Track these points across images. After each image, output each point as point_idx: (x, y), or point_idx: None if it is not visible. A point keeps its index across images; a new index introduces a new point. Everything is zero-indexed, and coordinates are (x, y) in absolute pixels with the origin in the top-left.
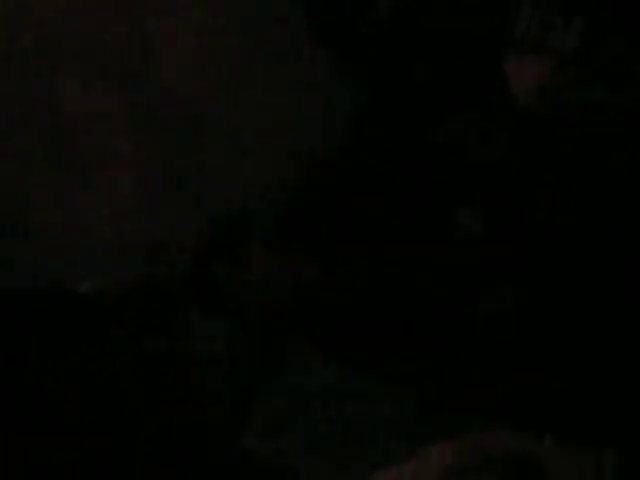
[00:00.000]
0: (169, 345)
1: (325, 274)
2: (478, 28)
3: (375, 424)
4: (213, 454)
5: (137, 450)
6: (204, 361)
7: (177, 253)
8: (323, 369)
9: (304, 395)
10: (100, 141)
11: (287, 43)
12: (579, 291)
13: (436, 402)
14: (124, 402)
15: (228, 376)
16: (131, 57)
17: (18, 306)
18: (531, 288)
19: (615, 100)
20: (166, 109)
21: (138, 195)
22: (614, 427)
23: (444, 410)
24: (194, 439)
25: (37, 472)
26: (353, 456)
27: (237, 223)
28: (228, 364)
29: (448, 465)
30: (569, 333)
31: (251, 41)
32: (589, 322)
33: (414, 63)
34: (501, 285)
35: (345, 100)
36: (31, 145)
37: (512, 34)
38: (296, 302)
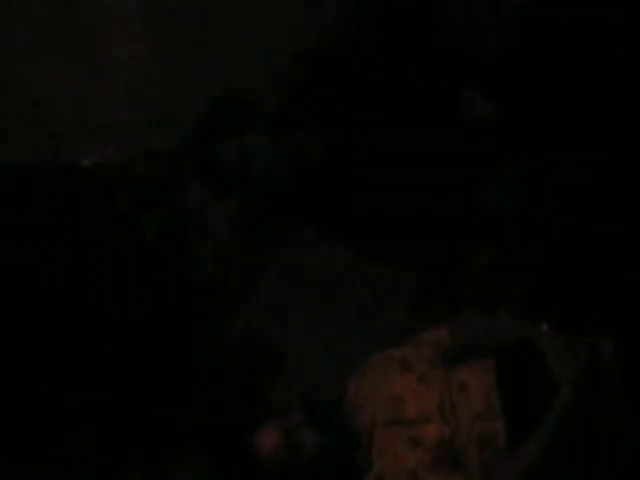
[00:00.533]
0: (165, 219)
1: (327, 152)
2: None
3: (373, 306)
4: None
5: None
6: (199, 237)
7: (176, 126)
8: (319, 249)
9: (302, 278)
10: (101, 11)
11: None
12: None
13: (435, 288)
14: (122, 274)
15: (222, 256)
16: None
17: (20, 181)
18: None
19: None
20: None
21: (137, 69)
22: (611, 313)
23: (443, 297)
24: (185, 326)
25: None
26: (351, 341)
27: (238, 100)
28: (224, 242)
29: (446, 347)
30: (569, 221)
31: None
32: (591, 214)
33: None
34: (506, 175)
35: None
36: (29, 14)
37: None
38: (297, 179)
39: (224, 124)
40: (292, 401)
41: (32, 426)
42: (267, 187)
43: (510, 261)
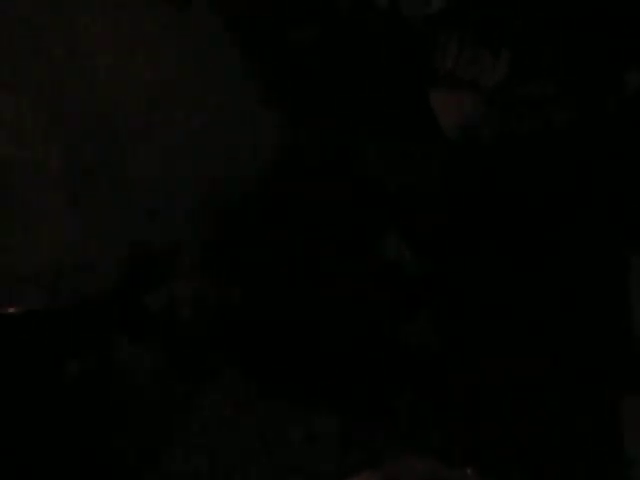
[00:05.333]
0: (92, 369)
1: (248, 297)
2: (406, 64)
3: (294, 448)
4: None
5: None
6: (125, 388)
7: (101, 278)
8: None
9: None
10: (25, 165)
11: (222, 70)
12: (502, 321)
13: (358, 426)
14: (42, 423)
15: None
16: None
17: None
18: (452, 320)
19: (537, 133)
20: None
21: (62, 218)
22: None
23: (366, 434)
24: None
25: None
26: None
27: (162, 252)
28: (148, 394)
29: None
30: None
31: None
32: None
33: (343, 95)
34: (423, 316)
35: (273, 131)
36: None
37: (439, 70)
38: (221, 323)
39: (148, 272)
40: None
41: None
42: (193, 333)
43: (433, 402)
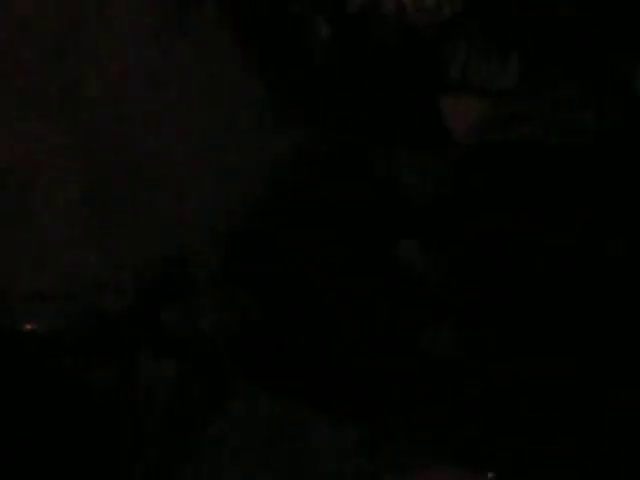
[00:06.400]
0: (114, 382)
1: (268, 313)
2: (416, 69)
3: (317, 458)
4: None
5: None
6: (146, 402)
7: (119, 295)
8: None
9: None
10: (42, 183)
11: (230, 88)
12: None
13: (379, 438)
14: (65, 435)
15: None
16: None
17: None
18: (471, 328)
19: (547, 138)
20: (110, 154)
21: (79, 235)
22: None
23: (388, 445)
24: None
25: None
26: None
27: (180, 267)
28: (169, 409)
29: None
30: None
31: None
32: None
33: (356, 105)
34: (442, 324)
35: (286, 144)
36: None
37: (448, 74)
38: (242, 340)
39: (165, 288)
40: None
41: None
42: (212, 348)
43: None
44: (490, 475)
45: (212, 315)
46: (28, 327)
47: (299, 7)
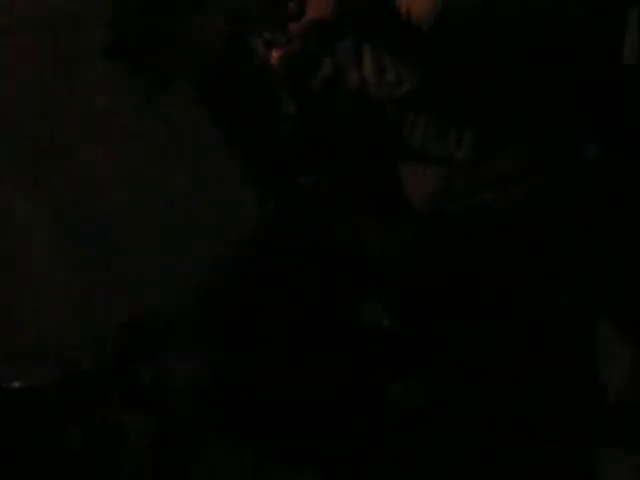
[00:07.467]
0: (92, 437)
1: (242, 368)
2: (379, 139)
3: None
4: None
5: None
6: (125, 455)
7: (98, 353)
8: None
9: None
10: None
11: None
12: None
13: None
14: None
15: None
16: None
17: None
18: (440, 380)
19: (500, 206)
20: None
21: (58, 298)
22: None
23: None
24: None
25: None
26: None
27: (154, 325)
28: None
29: None
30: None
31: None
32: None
33: (322, 171)
34: (411, 378)
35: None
36: None
37: (409, 144)
38: (213, 394)
39: (140, 347)
40: None
41: None
42: (184, 404)
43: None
44: None
45: (184, 372)
46: (15, 385)
47: (266, 84)
